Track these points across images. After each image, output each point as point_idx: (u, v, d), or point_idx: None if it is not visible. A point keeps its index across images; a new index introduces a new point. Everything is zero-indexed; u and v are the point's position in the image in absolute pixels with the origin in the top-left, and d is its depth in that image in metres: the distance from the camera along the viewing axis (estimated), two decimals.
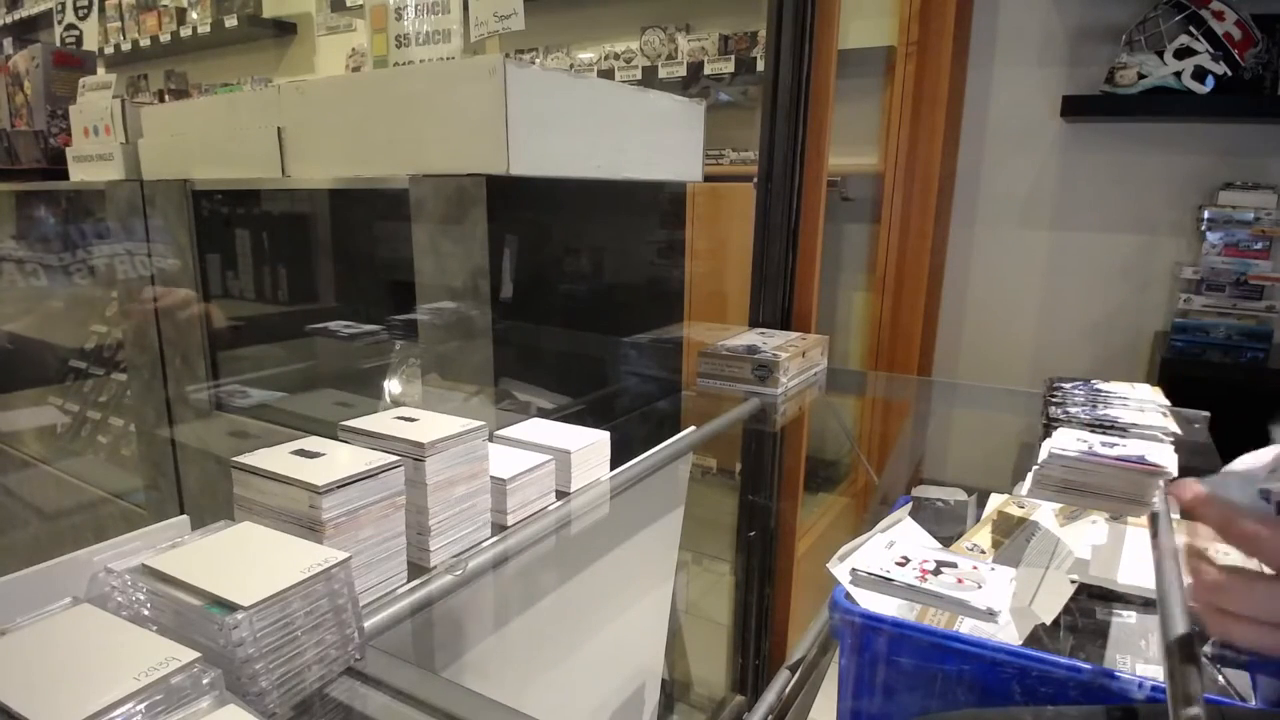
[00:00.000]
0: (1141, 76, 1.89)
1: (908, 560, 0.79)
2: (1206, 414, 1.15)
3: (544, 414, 1.07)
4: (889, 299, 2.33)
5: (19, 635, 0.47)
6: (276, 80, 3.70)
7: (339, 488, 0.61)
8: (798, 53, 1.53)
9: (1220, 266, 1.95)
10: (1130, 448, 0.85)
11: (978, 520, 1.02)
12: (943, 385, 2.14)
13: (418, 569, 0.70)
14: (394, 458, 0.66)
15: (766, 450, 1.57)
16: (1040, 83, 2.21)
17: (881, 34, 2.33)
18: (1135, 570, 0.88)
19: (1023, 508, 1.01)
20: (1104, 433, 0.94)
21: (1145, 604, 0.85)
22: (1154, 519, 0.80)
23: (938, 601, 0.76)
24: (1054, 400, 1.12)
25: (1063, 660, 0.66)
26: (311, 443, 0.68)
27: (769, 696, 0.80)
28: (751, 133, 2.48)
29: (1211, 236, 1.95)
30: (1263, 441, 0.60)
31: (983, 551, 0.93)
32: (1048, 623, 0.78)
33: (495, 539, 0.76)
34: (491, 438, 0.78)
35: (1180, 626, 0.50)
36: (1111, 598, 0.86)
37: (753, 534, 1.65)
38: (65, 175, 1.55)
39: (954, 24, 2.13)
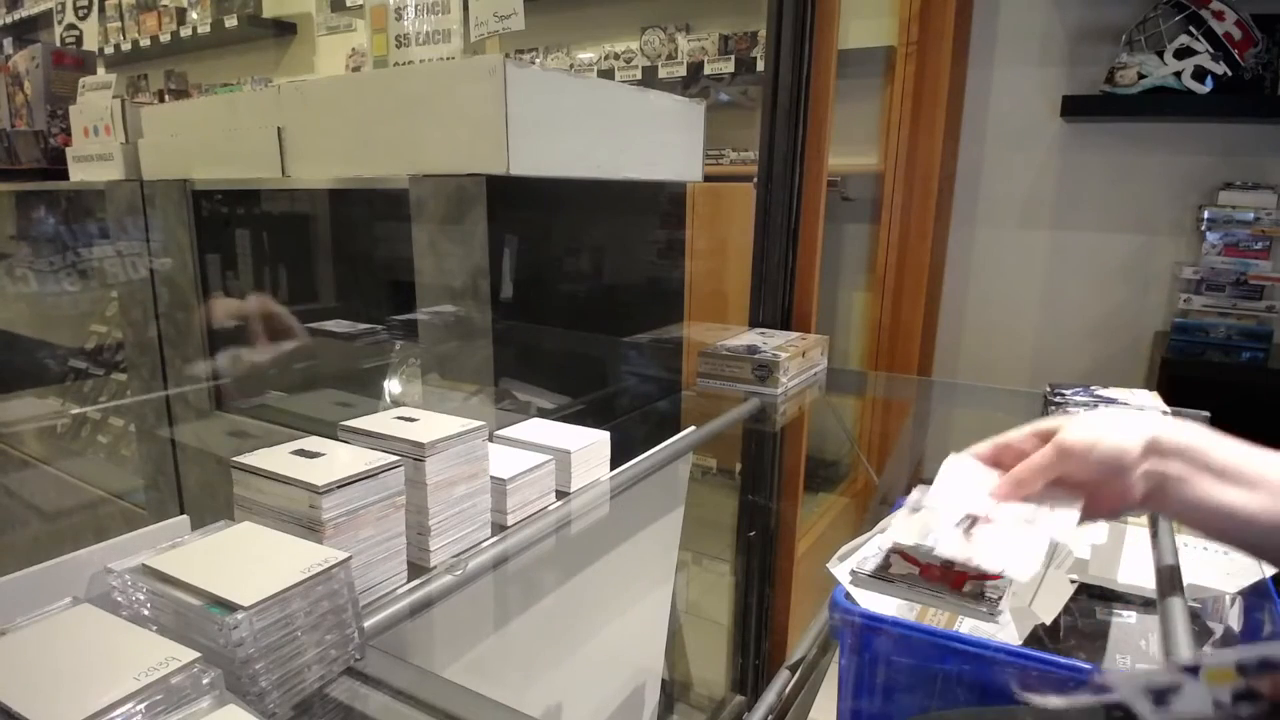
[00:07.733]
0: (1141, 76, 1.90)
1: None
2: (1206, 414, 1.15)
3: (544, 414, 1.07)
4: (889, 299, 2.33)
5: (19, 635, 0.47)
6: (276, 80, 3.70)
7: (339, 488, 0.61)
8: (798, 53, 1.53)
9: (1220, 266, 1.95)
10: None
11: None
12: (943, 385, 2.14)
13: (418, 569, 0.69)
14: (394, 458, 0.66)
15: (766, 450, 1.56)
16: (1040, 83, 2.21)
17: (881, 34, 2.33)
18: (1135, 570, 0.88)
19: None
20: None
21: (1145, 604, 0.85)
22: (1154, 519, 0.80)
23: (937, 601, 0.76)
24: (1055, 401, 1.12)
25: (1062, 660, 0.66)
26: (311, 443, 0.68)
27: (769, 696, 0.80)
28: (751, 133, 2.47)
29: (1211, 236, 1.95)
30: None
31: None
32: (1048, 623, 0.78)
33: (495, 539, 0.76)
34: (491, 438, 0.78)
35: (1181, 626, 0.50)
36: (1111, 598, 0.86)
37: (753, 534, 1.65)
38: (65, 175, 1.55)
39: (954, 24, 2.13)
